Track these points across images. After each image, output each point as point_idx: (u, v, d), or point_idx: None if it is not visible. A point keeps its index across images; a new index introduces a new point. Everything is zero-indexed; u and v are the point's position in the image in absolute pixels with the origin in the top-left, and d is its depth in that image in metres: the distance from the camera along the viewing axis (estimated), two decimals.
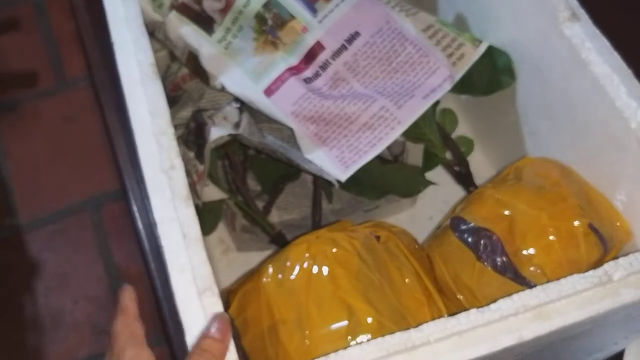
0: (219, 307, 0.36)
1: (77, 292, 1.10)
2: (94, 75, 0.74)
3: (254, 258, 0.56)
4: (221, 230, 0.60)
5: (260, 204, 0.57)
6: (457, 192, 0.58)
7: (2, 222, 1.17)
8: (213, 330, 0.34)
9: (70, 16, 1.37)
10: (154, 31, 0.53)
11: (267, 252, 0.57)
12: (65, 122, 1.26)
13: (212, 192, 0.53)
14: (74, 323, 1.07)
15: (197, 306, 0.36)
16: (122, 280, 1.11)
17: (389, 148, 0.52)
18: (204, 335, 0.34)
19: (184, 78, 0.56)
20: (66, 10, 1.38)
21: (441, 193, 0.58)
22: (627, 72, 0.44)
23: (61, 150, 1.23)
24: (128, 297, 0.38)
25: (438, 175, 0.57)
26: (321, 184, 0.55)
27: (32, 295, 1.09)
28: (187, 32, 0.51)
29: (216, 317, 0.35)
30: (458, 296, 0.44)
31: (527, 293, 0.36)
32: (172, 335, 0.58)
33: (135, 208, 0.65)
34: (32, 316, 1.08)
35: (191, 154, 0.50)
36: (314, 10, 0.51)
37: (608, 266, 0.37)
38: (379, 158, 0.51)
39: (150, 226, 0.63)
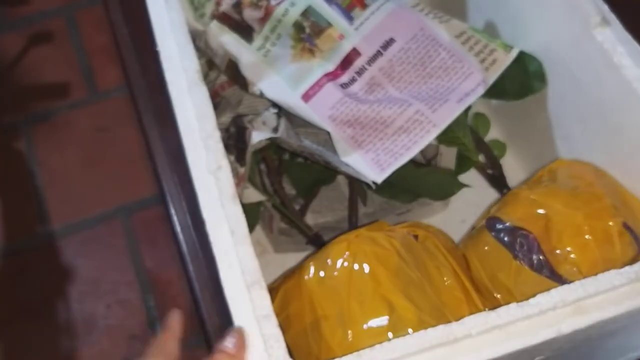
0: (266, 300, 0.37)
1: (110, 297, 1.12)
2: (132, 85, 0.76)
3: (291, 259, 0.58)
4: (258, 232, 0.61)
5: (295, 208, 0.58)
6: (489, 195, 0.59)
7: (35, 229, 1.20)
8: (229, 345, 0.35)
9: (101, 29, 1.41)
10: (195, 40, 0.55)
11: (304, 254, 0.59)
12: (97, 132, 1.30)
13: (251, 195, 0.55)
14: (107, 327, 1.10)
15: (245, 299, 0.37)
16: (152, 285, 1.14)
17: (422, 152, 0.53)
18: (219, 349, 0.35)
19: (222, 85, 0.58)
20: (97, 24, 1.42)
21: (473, 196, 0.59)
22: None
23: (93, 159, 1.26)
24: (176, 319, 0.39)
25: (471, 178, 0.58)
26: (356, 187, 0.57)
27: (65, 301, 1.12)
28: (228, 41, 0.53)
29: (233, 331, 0.36)
30: (495, 295, 0.45)
31: (565, 288, 0.37)
32: (210, 334, 0.59)
33: (173, 212, 0.66)
34: (66, 321, 1.10)
35: (231, 158, 0.52)
36: (350, 18, 0.53)
37: None
38: (413, 162, 0.52)
39: (189, 229, 0.65)
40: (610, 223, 0.44)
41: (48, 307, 1.12)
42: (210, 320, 0.61)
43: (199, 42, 0.55)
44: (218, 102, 0.58)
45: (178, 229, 0.66)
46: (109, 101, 1.34)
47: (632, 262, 0.43)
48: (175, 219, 0.66)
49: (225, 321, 0.60)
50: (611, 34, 0.47)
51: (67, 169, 1.26)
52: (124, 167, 1.25)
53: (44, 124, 1.31)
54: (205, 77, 0.59)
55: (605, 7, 0.48)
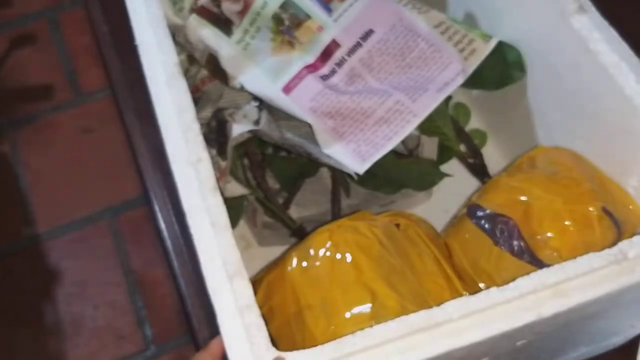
0: (248, 290, 0.37)
1: (97, 298, 1.11)
2: (113, 82, 0.76)
3: (275, 253, 0.58)
4: (242, 227, 0.61)
5: (279, 201, 0.58)
6: (471, 184, 0.59)
7: (21, 232, 1.19)
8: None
9: (83, 30, 1.40)
10: (175, 35, 0.55)
11: (288, 247, 0.59)
12: (82, 134, 1.29)
13: (234, 189, 0.55)
14: (95, 328, 1.09)
15: (227, 290, 0.37)
16: (140, 286, 1.13)
17: (404, 142, 0.53)
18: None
19: (203, 81, 0.58)
20: (80, 26, 1.41)
21: (456, 185, 0.59)
22: (636, 60, 0.45)
23: (78, 161, 1.26)
24: (219, 344, 0.38)
25: (453, 168, 0.58)
26: (339, 179, 0.57)
27: (52, 303, 1.11)
28: (207, 35, 0.53)
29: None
30: (476, 281, 0.46)
31: (545, 271, 0.37)
32: (196, 329, 0.59)
33: (157, 208, 0.66)
34: (54, 323, 1.10)
35: (213, 152, 0.52)
36: (329, 10, 0.53)
37: (622, 245, 0.38)
38: (395, 152, 0.52)
39: (172, 225, 0.65)
40: (590, 208, 0.44)
41: (35, 310, 1.11)
42: (195, 314, 0.61)
43: (179, 36, 0.55)
44: (199, 97, 0.57)
45: (162, 226, 0.66)
46: (94, 102, 1.33)
47: (611, 246, 0.43)
48: (159, 215, 0.66)
49: (209, 314, 0.60)
50: (588, 21, 0.47)
51: (52, 171, 1.25)
52: (109, 168, 1.24)
53: (28, 126, 1.30)
54: (186, 72, 0.59)
55: None
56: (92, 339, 1.09)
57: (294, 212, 0.59)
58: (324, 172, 0.60)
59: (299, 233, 0.56)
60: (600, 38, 0.47)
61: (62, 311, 1.10)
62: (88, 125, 1.30)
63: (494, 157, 0.61)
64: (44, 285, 1.13)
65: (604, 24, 0.47)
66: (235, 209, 0.57)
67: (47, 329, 1.09)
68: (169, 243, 0.64)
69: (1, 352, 1.08)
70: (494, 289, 0.37)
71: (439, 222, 0.56)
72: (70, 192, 1.22)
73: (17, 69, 1.36)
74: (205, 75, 0.57)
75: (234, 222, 0.59)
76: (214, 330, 0.38)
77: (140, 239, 1.18)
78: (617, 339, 0.51)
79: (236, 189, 0.55)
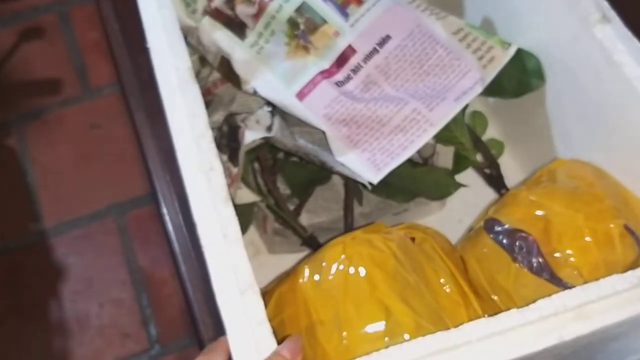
0: (260, 306, 0.36)
1: (103, 296, 1.11)
2: (123, 82, 0.75)
3: (285, 260, 0.57)
4: (251, 233, 0.60)
5: (290, 207, 0.57)
6: (486, 194, 0.58)
7: (28, 227, 1.19)
8: (284, 351, 0.35)
9: (93, 25, 1.40)
10: (187, 36, 0.54)
11: (298, 255, 0.58)
12: (90, 129, 1.28)
13: (245, 195, 0.54)
14: (100, 326, 1.09)
15: (238, 305, 0.36)
16: (146, 284, 1.13)
17: (419, 151, 0.52)
18: (275, 352, 0.35)
19: (215, 83, 0.57)
20: (90, 19, 1.41)
21: (470, 196, 0.58)
22: None
23: (86, 156, 1.25)
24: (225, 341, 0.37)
25: (468, 177, 0.57)
26: (352, 187, 0.56)
27: (58, 300, 1.11)
28: (220, 37, 0.52)
29: (289, 339, 0.35)
30: (493, 297, 0.45)
31: (567, 293, 0.36)
32: (203, 335, 0.59)
33: (165, 211, 0.65)
34: (59, 320, 1.09)
35: (224, 157, 0.51)
36: (345, 15, 0.52)
37: None
38: (409, 161, 0.51)
39: (181, 228, 0.64)
40: (611, 225, 0.43)
41: (41, 306, 1.11)
42: (202, 320, 0.60)
43: (191, 38, 0.54)
44: (210, 99, 0.56)
45: (170, 228, 0.65)
46: (102, 98, 1.33)
47: (633, 264, 0.42)
48: (167, 218, 0.65)
49: (217, 322, 0.59)
50: (611, 31, 0.46)
51: (59, 166, 1.25)
52: (117, 164, 1.24)
53: (36, 121, 1.30)
54: (197, 74, 0.58)
55: (605, 4, 0.47)
56: (97, 337, 1.08)
57: (305, 219, 0.58)
58: (336, 179, 0.59)
59: (310, 242, 0.55)
60: (624, 49, 0.45)
61: (68, 308, 1.10)
62: (96, 121, 1.29)
63: (511, 167, 0.60)
64: (50, 282, 1.13)
65: (629, 34, 0.46)
66: (245, 215, 0.56)
67: (53, 326, 1.09)
68: (176, 247, 0.63)
69: (7, 347, 1.08)
70: (514, 311, 0.35)
71: (453, 232, 0.55)
72: (77, 188, 1.22)
73: (25, 62, 1.35)
74: (217, 77, 0.56)
75: (243, 229, 0.58)
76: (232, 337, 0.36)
77: (147, 237, 1.17)
78: (635, 357, 0.50)
79: (247, 195, 0.54)
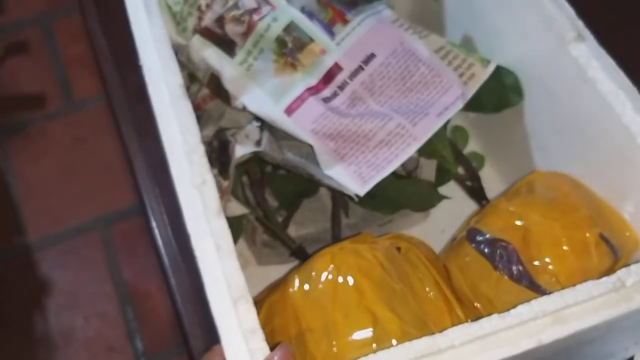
0: (252, 314, 0.37)
1: (88, 309, 1.11)
2: (111, 95, 0.76)
3: (273, 272, 0.58)
4: (240, 245, 0.62)
5: (278, 220, 0.59)
6: (468, 206, 0.60)
7: (12, 241, 1.19)
8: (275, 358, 0.36)
9: (77, 39, 1.40)
10: (177, 54, 0.55)
11: (287, 266, 0.59)
12: (75, 143, 1.29)
13: (234, 208, 0.55)
14: (85, 340, 1.09)
15: (231, 314, 0.37)
16: (131, 297, 1.13)
17: (403, 164, 0.54)
18: (266, 359, 0.36)
19: (204, 99, 0.58)
20: (73, 33, 1.41)
21: (453, 207, 0.60)
22: (633, 89, 0.46)
23: (70, 170, 1.25)
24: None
25: (450, 189, 0.59)
26: (339, 199, 0.57)
27: (43, 313, 1.11)
28: (210, 55, 0.54)
29: (280, 346, 0.36)
30: (476, 305, 0.46)
31: (546, 299, 0.38)
32: (192, 346, 0.59)
33: (154, 224, 0.66)
34: (44, 334, 1.09)
35: (215, 171, 0.52)
36: (332, 34, 0.53)
37: (621, 273, 0.39)
38: (394, 174, 0.53)
39: (170, 241, 0.65)
40: (587, 234, 0.45)
41: (25, 320, 1.11)
42: (192, 332, 0.61)
43: (181, 56, 0.55)
44: (200, 115, 0.58)
45: (159, 241, 0.66)
46: (86, 111, 1.33)
47: (608, 271, 0.44)
48: (156, 231, 0.66)
49: (207, 333, 0.60)
50: (586, 49, 0.48)
51: (43, 180, 1.25)
52: (101, 177, 1.24)
53: (20, 134, 1.30)
54: (187, 90, 0.59)
55: (580, 23, 0.49)
56: (82, 350, 1.08)
57: (293, 231, 0.59)
58: (323, 191, 0.60)
59: (298, 253, 0.56)
60: (598, 66, 0.47)
61: (52, 322, 1.10)
62: (80, 134, 1.30)
63: (491, 179, 0.62)
64: (34, 295, 1.13)
65: (602, 52, 0.48)
66: (235, 227, 0.57)
67: (37, 340, 1.09)
68: (166, 259, 0.64)
69: None
70: (495, 316, 0.37)
71: (436, 242, 0.56)
72: (61, 202, 1.22)
73: (9, 76, 1.36)
74: (206, 93, 0.58)
75: (234, 240, 0.59)
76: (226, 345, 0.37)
77: (132, 250, 1.18)
78: None
79: (236, 207, 0.55)
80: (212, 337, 0.38)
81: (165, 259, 0.65)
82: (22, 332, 1.11)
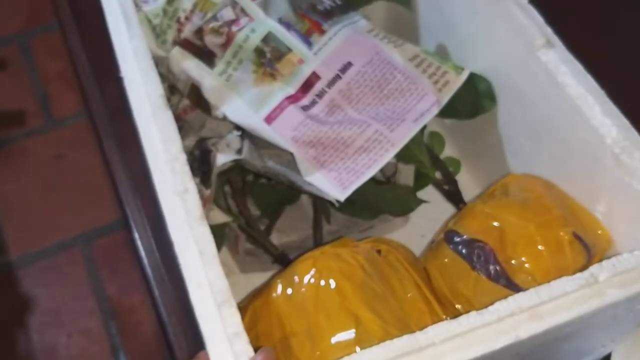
0: (237, 318, 0.38)
1: (71, 326, 1.10)
2: (92, 110, 0.76)
3: (256, 279, 0.58)
4: (224, 253, 0.62)
5: (260, 228, 0.59)
6: (446, 210, 0.61)
7: None
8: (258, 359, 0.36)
9: (55, 56, 1.40)
10: (157, 65, 0.56)
11: (270, 273, 0.60)
12: (55, 159, 1.28)
13: (217, 216, 0.56)
14: (69, 356, 1.08)
15: (216, 318, 0.38)
16: (114, 313, 1.12)
17: (382, 170, 0.55)
18: None
19: (185, 110, 0.59)
20: (51, 50, 1.41)
21: (432, 211, 0.61)
22: (601, 92, 0.47)
23: (51, 187, 1.25)
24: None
25: (428, 194, 0.60)
26: (320, 205, 0.58)
27: (25, 332, 1.10)
28: (190, 66, 0.54)
29: (261, 350, 0.37)
30: (455, 305, 0.47)
31: (521, 295, 0.39)
32: (177, 357, 0.60)
33: (137, 236, 0.67)
34: (27, 352, 1.08)
35: (196, 180, 0.53)
36: (309, 44, 0.55)
37: (593, 268, 0.40)
38: (373, 179, 0.54)
39: (153, 253, 0.65)
40: (561, 233, 0.46)
41: (7, 339, 1.09)
42: (177, 343, 0.61)
43: (161, 67, 0.56)
44: (180, 126, 0.58)
45: (142, 253, 0.66)
46: (66, 128, 1.33)
47: (582, 268, 0.45)
48: (139, 243, 0.67)
49: (192, 343, 0.61)
50: (555, 55, 0.50)
51: (24, 197, 1.24)
52: (82, 194, 1.23)
53: (0, 152, 1.29)
54: (168, 101, 0.60)
55: (549, 30, 0.51)
56: None
57: (275, 239, 0.60)
58: (304, 199, 0.61)
59: (281, 259, 0.57)
60: (567, 71, 0.49)
61: (35, 340, 1.09)
62: (60, 151, 1.29)
63: (468, 183, 0.63)
64: (16, 314, 1.12)
65: (570, 57, 0.50)
66: (217, 235, 0.57)
67: (20, 358, 1.08)
68: (149, 271, 0.65)
69: None
70: (473, 313, 0.38)
71: (416, 246, 0.58)
72: (42, 219, 1.21)
73: None
74: (187, 104, 0.59)
75: (217, 248, 0.60)
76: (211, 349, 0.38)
77: (115, 265, 1.17)
78: (589, 359, 0.53)
79: (219, 216, 0.56)
80: (197, 346, 0.39)
81: (149, 270, 0.65)
82: (5, 351, 1.09)
